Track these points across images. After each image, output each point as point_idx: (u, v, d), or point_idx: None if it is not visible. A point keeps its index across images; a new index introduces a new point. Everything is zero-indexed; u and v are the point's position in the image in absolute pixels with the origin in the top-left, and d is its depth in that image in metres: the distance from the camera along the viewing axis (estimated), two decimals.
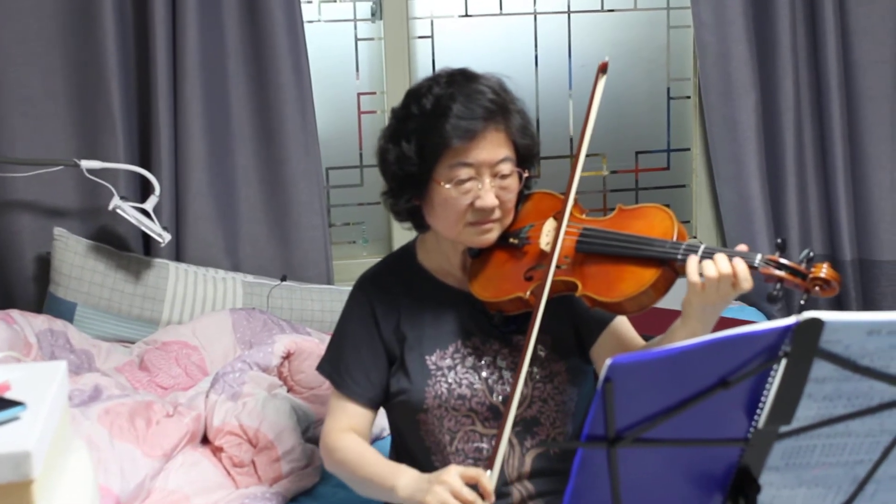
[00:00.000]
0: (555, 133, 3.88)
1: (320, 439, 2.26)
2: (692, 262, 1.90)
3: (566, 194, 2.07)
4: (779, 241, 1.89)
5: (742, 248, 1.93)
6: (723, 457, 1.53)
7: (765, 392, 1.45)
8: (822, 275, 1.83)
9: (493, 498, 1.91)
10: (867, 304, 3.86)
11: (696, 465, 1.54)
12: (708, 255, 1.90)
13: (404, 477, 2.05)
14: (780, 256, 1.88)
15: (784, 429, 1.48)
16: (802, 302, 1.78)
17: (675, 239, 1.98)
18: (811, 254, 1.87)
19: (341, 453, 2.18)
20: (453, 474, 1.93)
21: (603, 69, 2.08)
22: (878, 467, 1.57)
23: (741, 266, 1.87)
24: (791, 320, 1.39)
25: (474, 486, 1.91)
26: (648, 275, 1.95)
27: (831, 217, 3.81)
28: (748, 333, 1.39)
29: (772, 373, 1.44)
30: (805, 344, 1.40)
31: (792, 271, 1.85)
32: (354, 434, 2.20)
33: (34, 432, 1.54)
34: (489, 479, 1.92)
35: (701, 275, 1.88)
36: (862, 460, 1.56)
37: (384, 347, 2.20)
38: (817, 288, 1.83)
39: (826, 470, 1.56)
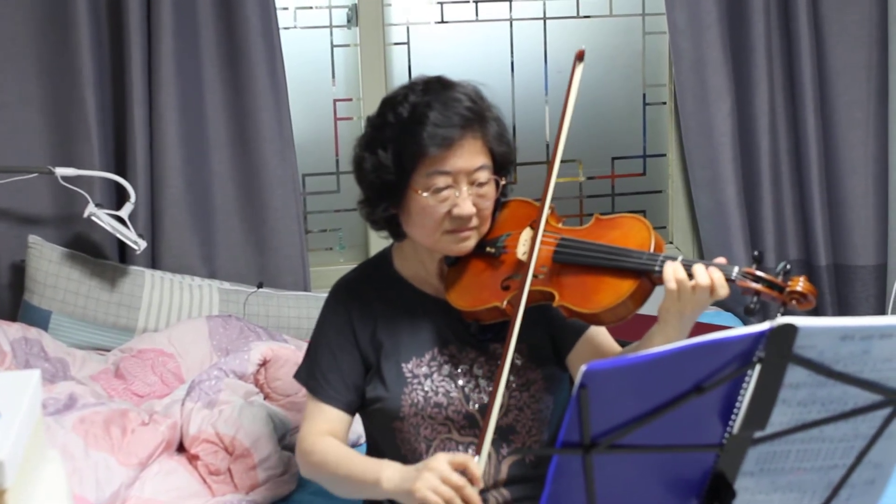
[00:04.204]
0: (531, 139, 3.89)
1: (296, 444, 2.24)
2: (669, 272, 1.90)
3: (542, 202, 2.06)
4: (755, 253, 1.90)
5: (720, 260, 1.93)
6: (698, 462, 1.53)
7: (739, 398, 1.46)
8: (799, 288, 1.83)
9: (481, 483, 1.90)
10: (842, 310, 3.88)
11: (671, 470, 1.55)
12: (685, 266, 1.90)
13: (388, 469, 2.03)
14: (757, 269, 1.88)
15: (759, 434, 1.49)
16: (779, 314, 1.79)
17: (651, 250, 1.97)
18: (788, 266, 1.87)
19: (320, 455, 2.16)
20: (441, 460, 1.91)
21: (580, 57, 2.07)
22: (852, 472, 1.57)
23: (717, 275, 1.88)
24: (765, 326, 1.40)
25: (462, 472, 1.90)
26: (626, 286, 1.95)
27: (806, 222, 3.83)
28: (722, 339, 1.40)
29: (746, 378, 1.44)
30: (779, 349, 1.41)
31: (769, 284, 1.86)
32: (332, 437, 2.19)
33: (7, 442, 1.52)
34: (477, 465, 1.91)
35: (677, 285, 1.89)
36: (836, 465, 1.56)
37: (360, 354, 2.20)
38: (794, 301, 1.83)
39: (801, 475, 1.56)
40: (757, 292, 1.86)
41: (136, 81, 3.26)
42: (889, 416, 1.52)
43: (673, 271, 1.89)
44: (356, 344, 2.20)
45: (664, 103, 3.99)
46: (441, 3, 3.78)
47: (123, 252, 3.36)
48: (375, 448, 2.25)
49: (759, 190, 3.77)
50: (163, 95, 3.29)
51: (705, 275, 1.87)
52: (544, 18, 3.86)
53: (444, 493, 1.88)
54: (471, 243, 2.12)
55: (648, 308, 2.01)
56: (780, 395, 1.45)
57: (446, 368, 2.15)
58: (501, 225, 2.18)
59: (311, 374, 2.23)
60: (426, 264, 2.21)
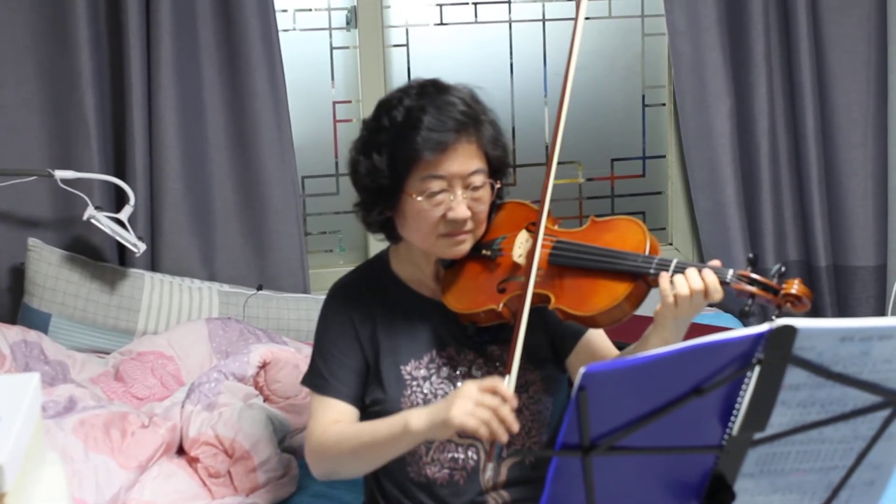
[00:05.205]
0: (530, 141, 3.89)
1: (306, 443, 2.19)
2: (664, 278, 1.90)
3: (541, 203, 2.05)
4: (750, 255, 1.91)
5: (715, 263, 1.93)
6: (698, 464, 1.53)
7: (739, 399, 1.46)
8: (794, 291, 1.83)
9: (514, 402, 1.86)
10: (842, 311, 3.88)
11: (671, 472, 1.55)
12: (680, 269, 1.91)
13: (413, 413, 1.98)
14: (752, 272, 1.88)
15: (758, 436, 1.49)
16: (774, 317, 1.79)
17: (647, 252, 1.98)
18: (783, 268, 1.87)
19: (335, 436, 2.10)
20: (471, 386, 1.88)
21: None
22: (851, 473, 1.57)
23: (711, 278, 1.88)
24: (764, 327, 1.40)
25: (493, 394, 1.86)
26: (621, 289, 1.95)
27: (806, 223, 3.82)
28: (721, 341, 1.40)
29: (745, 380, 1.44)
30: (778, 351, 1.41)
31: (763, 287, 1.86)
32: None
33: (7, 445, 1.52)
34: (506, 385, 1.88)
35: (673, 289, 1.89)
36: (836, 466, 1.57)
37: (363, 351, 2.18)
38: (789, 304, 1.84)
39: (800, 476, 1.56)
40: (752, 295, 1.87)
41: (135, 83, 3.26)
42: (888, 417, 1.52)
43: (668, 284, 1.89)
44: (359, 340, 2.18)
45: (663, 105, 3.99)
46: (440, 5, 3.78)
47: (123, 255, 3.36)
48: None
49: (758, 191, 3.77)
50: (162, 97, 3.29)
51: (698, 279, 1.88)
52: (543, 20, 3.86)
53: (481, 415, 1.84)
54: (466, 247, 2.11)
55: (645, 309, 2.01)
56: (779, 397, 1.45)
57: (445, 370, 2.15)
58: (497, 227, 2.17)
59: (317, 375, 2.20)
60: (422, 266, 2.20)
